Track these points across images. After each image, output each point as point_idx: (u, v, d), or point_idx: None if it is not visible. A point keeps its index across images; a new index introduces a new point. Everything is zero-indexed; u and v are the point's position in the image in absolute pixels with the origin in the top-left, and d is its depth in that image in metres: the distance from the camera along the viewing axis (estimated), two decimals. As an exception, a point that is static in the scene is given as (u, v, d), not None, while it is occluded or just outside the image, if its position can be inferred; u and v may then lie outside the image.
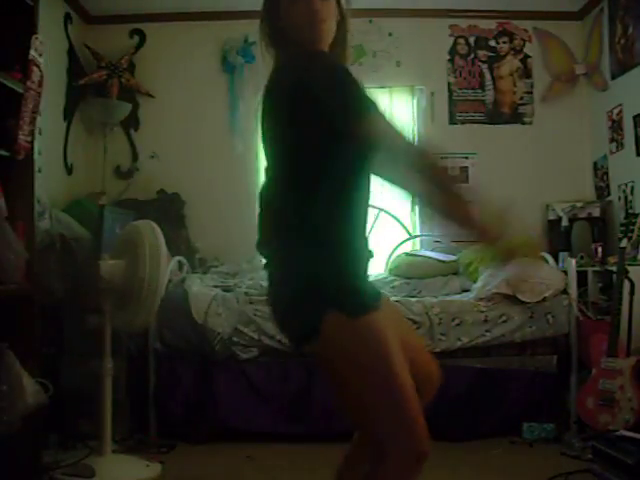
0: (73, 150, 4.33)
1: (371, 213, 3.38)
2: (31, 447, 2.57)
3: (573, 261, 3.59)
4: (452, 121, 4.71)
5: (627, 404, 2.92)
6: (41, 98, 2.76)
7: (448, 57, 4.75)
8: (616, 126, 4.20)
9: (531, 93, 4.75)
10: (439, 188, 1.44)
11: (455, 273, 4.19)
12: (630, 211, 3.94)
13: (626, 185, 4.07)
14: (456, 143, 4.66)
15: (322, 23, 1.54)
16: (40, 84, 2.73)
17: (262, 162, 4.67)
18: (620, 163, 4.20)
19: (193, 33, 4.69)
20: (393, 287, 4.01)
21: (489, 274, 3.71)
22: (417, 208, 4.70)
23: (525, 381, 3.37)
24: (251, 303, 3.46)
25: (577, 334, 3.41)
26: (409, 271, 4.07)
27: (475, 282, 3.83)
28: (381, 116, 1.44)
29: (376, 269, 4.31)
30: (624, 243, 3.18)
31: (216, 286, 3.74)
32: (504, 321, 3.39)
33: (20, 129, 2.60)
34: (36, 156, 2.79)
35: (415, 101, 4.70)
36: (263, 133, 1.59)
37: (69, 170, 4.31)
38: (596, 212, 4.30)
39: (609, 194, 4.34)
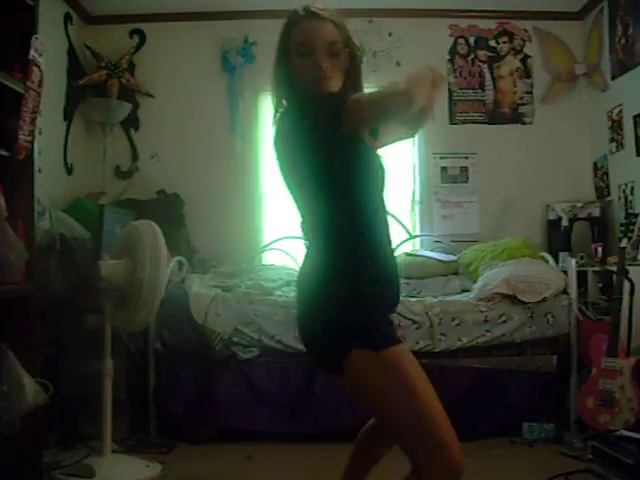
0: (73, 150, 4.33)
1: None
2: (31, 447, 2.57)
3: (573, 261, 3.59)
4: (452, 121, 4.71)
5: (627, 404, 2.93)
6: (41, 98, 2.76)
7: (448, 57, 4.75)
8: (616, 126, 4.20)
9: (531, 93, 4.75)
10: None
11: (455, 273, 4.19)
12: (630, 211, 3.94)
13: (626, 185, 4.07)
14: (456, 143, 4.67)
15: (328, 80, 1.59)
16: (40, 84, 2.73)
17: (264, 165, 4.69)
18: (620, 163, 4.20)
19: (193, 33, 4.69)
20: (393, 287, 4.01)
21: (489, 274, 3.71)
22: (417, 208, 4.71)
23: (525, 381, 3.37)
24: (251, 303, 3.46)
25: (577, 334, 3.41)
26: (409, 271, 4.06)
27: (475, 282, 3.83)
28: (354, 101, 1.49)
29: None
30: (624, 243, 3.18)
31: (216, 286, 3.74)
32: (504, 321, 3.39)
33: (20, 129, 2.60)
34: (36, 156, 2.78)
35: (415, 101, 4.69)
36: (286, 180, 1.69)
37: (69, 170, 4.31)
38: (596, 212, 4.30)
39: (609, 194, 4.34)
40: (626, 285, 3.12)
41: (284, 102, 1.71)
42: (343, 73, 1.64)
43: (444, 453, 1.47)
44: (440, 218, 4.66)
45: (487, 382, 3.36)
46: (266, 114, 4.72)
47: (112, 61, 4.50)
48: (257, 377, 3.37)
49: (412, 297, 3.77)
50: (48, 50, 2.89)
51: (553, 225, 4.45)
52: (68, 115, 4.29)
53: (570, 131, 4.69)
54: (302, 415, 3.33)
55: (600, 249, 3.97)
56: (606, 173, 4.40)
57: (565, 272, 3.58)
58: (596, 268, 3.83)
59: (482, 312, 3.41)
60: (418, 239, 4.65)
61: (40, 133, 2.98)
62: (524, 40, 4.76)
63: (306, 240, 1.73)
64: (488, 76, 4.75)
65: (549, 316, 3.41)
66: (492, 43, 4.76)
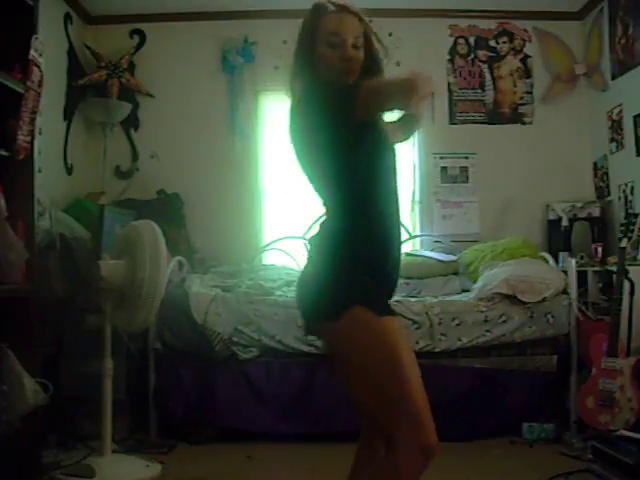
0: (73, 150, 4.33)
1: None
2: (31, 447, 2.57)
3: (573, 261, 3.59)
4: (452, 121, 4.71)
5: (627, 404, 2.93)
6: (41, 98, 2.76)
7: (448, 57, 4.75)
8: (616, 126, 4.20)
9: (531, 93, 4.75)
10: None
11: (455, 273, 4.19)
12: (630, 211, 3.94)
13: (626, 185, 4.07)
14: (456, 143, 4.67)
15: (353, 72, 1.70)
16: (40, 84, 2.73)
17: (264, 164, 4.69)
18: (620, 163, 4.20)
19: (193, 33, 4.69)
20: (393, 287, 4.01)
21: (489, 274, 3.71)
22: (417, 208, 4.71)
23: (525, 381, 3.37)
24: (251, 303, 3.46)
25: (577, 334, 3.41)
26: (409, 271, 4.06)
27: (475, 282, 3.83)
28: (365, 84, 1.60)
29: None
30: (624, 243, 3.18)
31: (216, 286, 3.74)
32: (504, 321, 3.39)
33: (20, 129, 2.60)
34: (36, 156, 2.78)
35: (415, 101, 4.69)
36: (302, 159, 1.77)
37: (69, 170, 4.31)
38: (596, 212, 4.31)
39: (609, 194, 4.34)
40: (626, 285, 3.12)
41: (301, 89, 1.76)
42: (360, 67, 1.72)
43: (418, 426, 1.50)
44: (440, 218, 4.66)
45: (487, 382, 3.36)
46: (266, 114, 4.73)
47: (112, 61, 4.50)
48: (257, 377, 3.37)
49: (412, 297, 3.77)
50: (48, 50, 2.89)
51: (553, 225, 4.45)
52: (68, 115, 4.29)
53: (570, 131, 4.69)
54: (302, 415, 3.33)
55: (600, 249, 3.97)
56: (606, 173, 4.40)
57: (565, 272, 3.58)
58: (596, 268, 3.83)
59: (482, 312, 3.41)
60: (418, 239, 4.66)
61: (40, 133, 2.98)
62: (524, 40, 4.76)
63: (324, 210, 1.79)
64: (488, 76, 4.75)
65: (549, 316, 3.41)
66: (492, 43, 4.77)
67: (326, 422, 3.29)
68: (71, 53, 4.35)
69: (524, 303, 3.41)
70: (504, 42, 4.76)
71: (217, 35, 4.67)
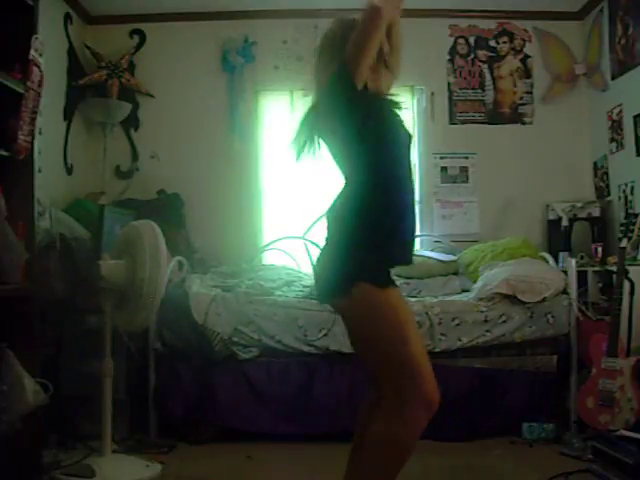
0: (73, 150, 4.33)
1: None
2: (31, 447, 2.57)
3: (573, 261, 3.59)
4: (452, 121, 4.71)
5: (627, 404, 2.93)
6: (41, 98, 2.76)
7: (448, 57, 4.75)
8: (616, 126, 4.20)
9: (531, 93, 4.75)
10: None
11: (455, 273, 4.19)
12: (630, 211, 3.94)
13: (626, 185, 4.07)
14: (456, 143, 4.67)
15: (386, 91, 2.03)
16: (40, 84, 2.73)
17: (264, 164, 4.69)
18: (620, 163, 4.20)
19: (193, 33, 4.69)
20: (393, 287, 4.01)
21: (489, 274, 3.71)
22: (417, 208, 4.71)
23: (525, 381, 3.37)
24: (251, 303, 3.46)
25: (577, 334, 3.41)
26: (409, 271, 4.06)
27: (475, 282, 3.83)
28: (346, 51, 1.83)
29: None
30: (624, 243, 3.18)
31: (216, 286, 3.74)
32: (504, 321, 3.39)
33: (20, 129, 2.60)
34: (36, 156, 2.78)
35: (415, 101, 4.70)
36: (325, 137, 1.97)
37: (69, 170, 4.31)
38: (596, 212, 4.30)
39: (609, 194, 4.34)
40: (626, 285, 3.12)
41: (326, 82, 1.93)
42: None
43: (421, 384, 1.74)
44: (440, 218, 4.66)
45: (487, 382, 3.36)
46: (266, 114, 4.73)
47: (112, 61, 4.50)
48: (257, 377, 3.37)
49: (412, 297, 3.77)
50: (48, 50, 2.89)
51: (553, 225, 4.46)
52: (68, 115, 4.29)
53: (570, 131, 4.69)
54: (302, 415, 3.33)
55: (600, 249, 3.97)
56: (606, 173, 4.40)
57: (565, 272, 3.58)
58: (596, 268, 3.83)
59: (482, 312, 3.41)
60: (418, 239, 4.65)
61: (40, 133, 2.99)
62: (524, 40, 4.76)
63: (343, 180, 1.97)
64: (488, 76, 4.75)
65: (549, 316, 3.41)
66: (492, 43, 4.77)
67: (326, 422, 3.29)
68: (71, 53, 4.35)
69: (524, 303, 3.41)
70: (504, 42, 4.76)
71: (217, 35, 4.67)
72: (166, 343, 3.40)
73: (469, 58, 4.76)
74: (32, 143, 2.70)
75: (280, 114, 4.70)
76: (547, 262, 3.81)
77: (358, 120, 1.86)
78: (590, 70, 4.59)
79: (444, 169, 4.68)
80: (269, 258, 4.56)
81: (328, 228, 1.93)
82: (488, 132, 4.71)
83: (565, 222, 4.29)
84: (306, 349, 3.37)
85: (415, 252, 4.48)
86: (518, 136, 4.71)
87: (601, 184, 4.46)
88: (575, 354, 3.39)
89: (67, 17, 4.29)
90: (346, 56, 1.82)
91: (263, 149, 4.69)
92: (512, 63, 4.76)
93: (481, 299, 3.50)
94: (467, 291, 3.87)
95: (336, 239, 1.87)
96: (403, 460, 1.77)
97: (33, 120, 2.70)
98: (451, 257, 4.27)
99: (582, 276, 3.75)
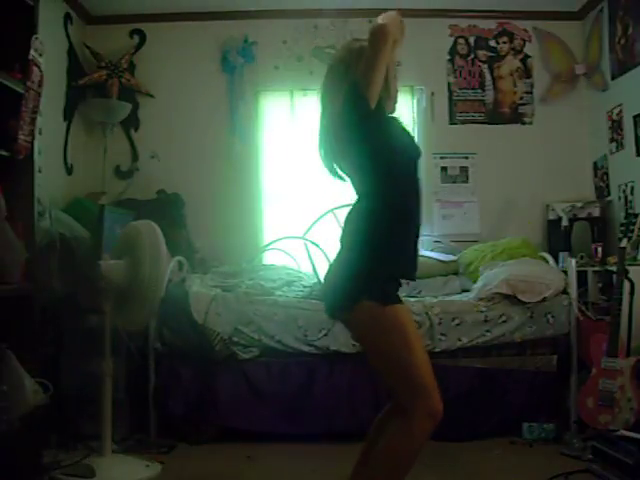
0: (73, 150, 4.34)
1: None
2: (31, 447, 2.57)
3: (573, 261, 3.59)
4: (452, 121, 4.71)
5: (627, 404, 2.93)
6: (41, 98, 2.76)
7: (448, 57, 4.75)
8: (616, 126, 4.21)
9: (531, 93, 4.75)
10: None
11: (455, 273, 4.19)
12: (630, 211, 3.94)
13: (626, 185, 4.07)
14: (456, 143, 4.68)
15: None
16: (40, 84, 2.73)
17: (265, 164, 4.69)
18: (620, 163, 4.20)
19: (193, 33, 4.69)
20: (393, 287, 4.01)
21: (489, 274, 3.71)
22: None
23: (525, 381, 3.37)
24: (251, 303, 3.46)
25: (577, 334, 3.41)
26: (409, 271, 4.05)
27: (475, 282, 3.83)
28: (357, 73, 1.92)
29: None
30: (624, 243, 3.18)
31: (216, 286, 3.74)
32: (504, 321, 3.39)
33: (20, 129, 2.60)
34: (36, 156, 2.78)
35: (415, 101, 4.70)
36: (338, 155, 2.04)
37: (69, 170, 4.31)
38: (596, 212, 4.31)
39: (609, 194, 4.34)
40: (626, 285, 3.12)
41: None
42: None
43: (426, 397, 1.84)
44: (440, 218, 4.66)
45: (487, 382, 3.36)
46: (266, 114, 4.73)
47: (112, 61, 4.50)
48: (257, 377, 3.37)
49: (412, 297, 3.77)
50: (48, 50, 2.90)
51: (553, 225, 4.46)
52: (68, 115, 4.29)
53: (570, 131, 4.69)
54: (302, 415, 3.33)
55: (600, 249, 3.97)
56: (606, 173, 4.40)
57: (565, 272, 3.58)
58: (596, 268, 3.83)
59: (482, 312, 3.41)
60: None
61: (40, 133, 2.99)
62: (524, 40, 4.76)
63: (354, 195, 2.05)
64: (488, 76, 4.75)
65: (549, 316, 3.41)
66: (492, 43, 4.77)
67: (326, 422, 3.29)
68: (71, 53, 4.35)
69: (524, 303, 3.41)
70: (504, 42, 4.76)
71: (217, 35, 4.67)
72: (166, 343, 3.40)
73: (469, 58, 4.76)
74: (32, 143, 2.70)
75: (280, 114, 4.70)
76: (547, 262, 3.81)
77: (371, 138, 1.92)
78: (590, 70, 4.59)
79: (444, 169, 4.68)
80: (269, 258, 4.56)
81: (341, 241, 2.00)
82: (488, 132, 4.71)
83: (565, 222, 4.29)
84: (306, 349, 3.37)
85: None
86: (518, 136, 4.71)
87: (601, 184, 4.46)
88: (575, 354, 3.39)
89: (67, 17, 4.29)
90: (357, 76, 1.89)
91: (263, 149, 4.69)
92: (512, 63, 4.76)
93: (481, 299, 3.50)
94: (467, 291, 3.87)
95: (345, 255, 1.95)
96: (408, 468, 1.86)
97: (33, 120, 2.70)
98: (451, 257, 4.27)
99: (582, 276, 3.75)
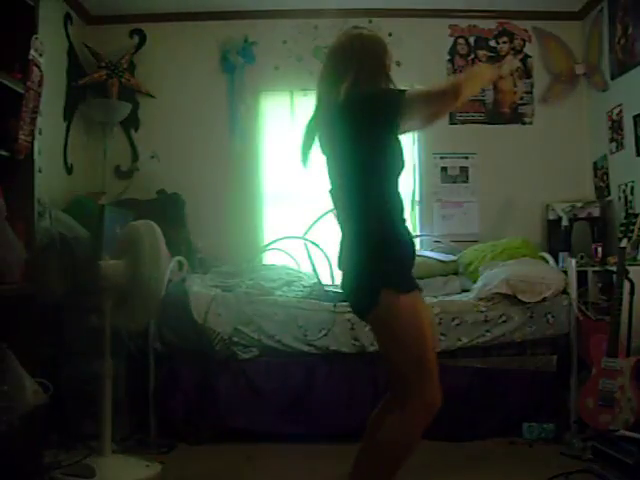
0: (73, 150, 4.33)
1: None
2: (31, 447, 2.57)
3: (573, 261, 3.59)
4: (452, 121, 4.71)
5: (627, 404, 2.93)
6: (41, 98, 2.76)
7: (448, 57, 4.75)
8: (616, 126, 4.20)
9: (531, 93, 4.75)
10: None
11: (455, 273, 4.19)
12: (630, 211, 3.94)
13: (626, 185, 4.07)
14: (456, 143, 4.68)
15: None
16: (40, 84, 2.73)
17: (265, 164, 4.69)
18: (620, 163, 4.20)
19: (193, 33, 4.69)
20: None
21: (489, 274, 3.71)
22: (417, 208, 4.71)
23: (525, 381, 3.37)
24: (251, 303, 3.46)
25: (577, 334, 3.41)
26: (409, 271, 4.05)
27: (475, 282, 3.83)
28: (406, 97, 1.99)
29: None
30: (624, 243, 3.18)
31: (216, 286, 3.74)
32: (504, 321, 3.39)
33: (20, 129, 2.60)
34: (36, 156, 2.78)
35: (415, 101, 4.70)
36: (333, 145, 2.08)
37: (69, 170, 4.31)
38: (596, 212, 4.30)
39: (609, 194, 4.34)
40: (626, 285, 3.12)
41: (347, 92, 2.02)
42: None
43: (432, 385, 1.91)
44: (440, 218, 4.67)
45: (487, 382, 3.36)
46: (266, 114, 4.73)
47: (112, 61, 4.50)
48: (257, 377, 3.37)
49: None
50: (48, 50, 2.90)
51: (553, 225, 4.46)
52: (68, 115, 4.29)
53: (570, 131, 4.69)
54: (302, 415, 3.33)
55: (600, 249, 3.97)
56: (606, 173, 4.39)
57: (565, 272, 3.58)
58: (596, 268, 3.83)
59: (482, 312, 3.41)
60: (418, 239, 4.65)
61: (40, 133, 2.99)
62: (524, 40, 4.76)
63: (338, 213, 2.14)
64: (488, 76, 4.74)
65: (549, 316, 3.41)
66: (492, 43, 4.77)
67: (326, 422, 3.29)
68: (71, 53, 4.35)
69: (524, 303, 3.41)
70: (504, 42, 4.76)
71: (217, 35, 4.67)
72: (166, 343, 3.40)
73: (469, 58, 4.75)
74: (32, 143, 2.70)
75: (280, 114, 4.70)
76: (547, 262, 3.81)
77: (379, 145, 1.99)
78: (590, 70, 4.59)
79: (444, 169, 4.68)
80: (269, 258, 4.56)
81: (344, 248, 2.07)
82: (488, 132, 4.71)
83: (565, 222, 4.29)
84: (306, 349, 3.37)
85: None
86: (518, 136, 4.71)
87: (601, 184, 4.46)
88: (575, 354, 3.39)
89: (67, 17, 4.29)
90: (410, 98, 1.98)
91: (263, 149, 4.69)
92: (512, 63, 4.75)
93: (481, 299, 3.50)
94: (467, 291, 3.87)
95: (356, 258, 2.01)
96: (406, 458, 1.92)
97: (33, 120, 2.71)
98: (451, 257, 4.27)
99: (582, 276, 3.75)
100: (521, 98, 4.75)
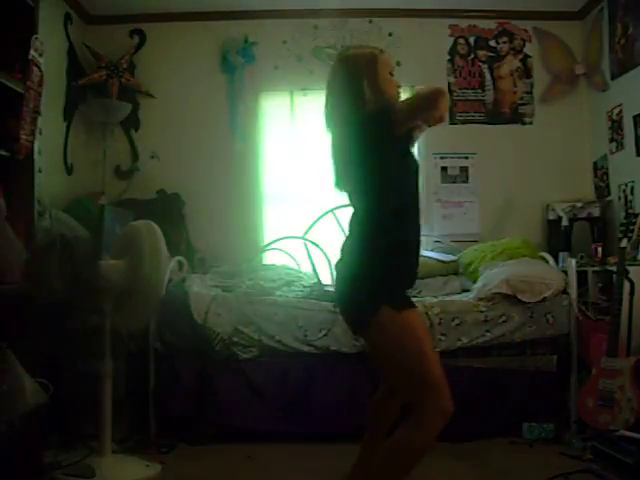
0: (73, 150, 4.33)
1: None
2: (31, 447, 2.57)
3: (573, 261, 3.59)
4: (452, 121, 4.71)
5: (627, 404, 2.92)
6: (41, 98, 2.76)
7: (448, 57, 4.75)
8: (616, 126, 4.20)
9: (531, 93, 4.75)
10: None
11: (455, 273, 4.19)
12: (630, 211, 3.94)
13: (626, 185, 4.07)
14: (456, 143, 4.68)
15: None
16: (40, 84, 2.73)
17: (264, 164, 4.69)
18: (620, 163, 4.20)
19: (193, 33, 4.70)
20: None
21: (489, 274, 3.71)
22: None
23: (525, 381, 3.37)
24: (251, 303, 3.46)
25: (577, 334, 3.41)
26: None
27: (475, 282, 3.83)
28: (396, 109, 2.05)
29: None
30: (624, 243, 3.18)
31: (216, 286, 3.74)
32: (504, 321, 3.39)
33: (22, 129, 2.60)
34: (36, 156, 2.78)
35: (415, 101, 4.70)
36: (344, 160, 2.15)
37: (69, 170, 4.31)
38: (596, 212, 4.30)
39: (609, 194, 4.34)
40: (626, 285, 3.12)
41: (346, 113, 2.12)
42: None
43: (439, 396, 1.94)
44: (440, 218, 4.67)
45: (487, 382, 3.36)
46: (266, 114, 4.73)
47: (112, 61, 4.50)
48: (257, 377, 3.37)
49: (412, 297, 3.76)
50: (48, 50, 2.89)
51: (553, 225, 4.45)
52: (68, 115, 4.29)
53: (570, 131, 4.69)
54: (302, 415, 3.33)
55: (600, 249, 3.96)
56: (606, 173, 4.40)
57: (565, 272, 3.58)
58: (596, 268, 3.83)
59: (482, 312, 3.41)
60: (418, 239, 4.65)
61: (40, 133, 2.98)
62: (524, 40, 4.76)
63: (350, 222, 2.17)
64: (488, 76, 4.75)
65: (549, 316, 3.41)
66: (492, 43, 4.77)
67: (326, 422, 3.29)
68: (71, 53, 4.35)
69: (524, 303, 3.41)
70: (504, 42, 4.76)
71: (217, 35, 4.67)
72: (166, 343, 3.40)
73: (469, 58, 4.76)
74: (32, 143, 2.70)
75: (280, 114, 4.70)
76: (547, 262, 3.81)
77: (383, 155, 2.05)
78: (590, 70, 4.59)
79: (444, 169, 4.68)
80: (269, 258, 4.56)
81: (344, 258, 2.12)
82: (488, 132, 4.72)
83: (565, 222, 4.29)
84: (306, 349, 3.37)
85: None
86: (518, 136, 4.71)
87: (601, 184, 4.46)
88: (575, 354, 3.39)
89: (67, 17, 4.29)
90: (397, 110, 2.04)
91: (263, 149, 4.69)
92: (512, 63, 4.76)
93: (481, 299, 3.50)
94: (467, 291, 3.87)
95: (353, 272, 2.06)
96: (415, 463, 1.98)
97: (34, 120, 2.70)
98: (451, 257, 4.27)
99: (582, 276, 3.75)
100: (521, 98, 4.75)
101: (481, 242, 4.39)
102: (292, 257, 4.42)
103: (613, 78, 4.24)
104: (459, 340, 3.36)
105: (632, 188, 3.99)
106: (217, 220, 4.51)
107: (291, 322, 3.39)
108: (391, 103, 2.12)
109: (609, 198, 4.33)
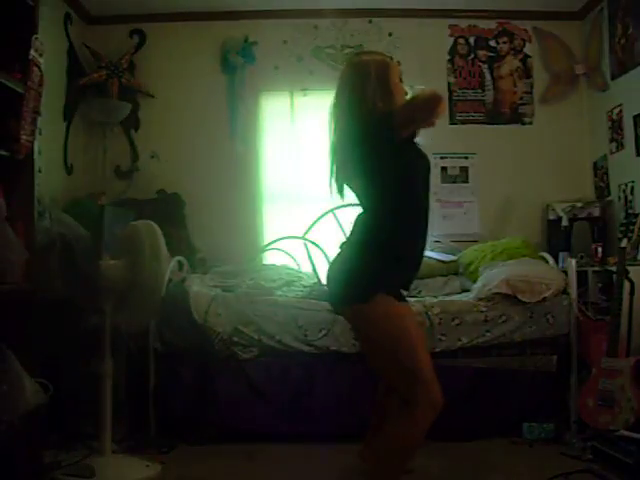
0: (73, 150, 4.33)
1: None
2: (31, 447, 2.57)
3: (573, 261, 3.59)
4: (452, 121, 4.71)
5: (627, 404, 2.92)
6: (41, 98, 2.76)
7: (448, 57, 4.75)
8: (616, 126, 4.21)
9: (531, 93, 4.75)
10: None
11: (455, 273, 4.19)
12: (630, 211, 3.94)
13: (626, 185, 4.07)
14: (456, 143, 4.68)
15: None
16: (40, 84, 2.73)
17: (265, 164, 4.69)
18: (620, 163, 4.20)
19: (193, 33, 4.70)
20: (393, 287, 4.01)
21: (489, 274, 3.71)
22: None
23: (525, 381, 3.37)
24: (251, 303, 3.46)
25: (577, 334, 3.41)
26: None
27: (475, 282, 3.83)
28: (394, 113, 2.09)
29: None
30: (624, 243, 3.18)
31: (216, 286, 3.74)
32: (504, 321, 3.39)
33: (22, 129, 2.60)
34: (36, 156, 2.78)
35: (415, 101, 4.70)
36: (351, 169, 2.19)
37: (69, 170, 4.31)
38: (596, 212, 4.30)
39: (609, 194, 4.34)
40: (626, 285, 3.12)
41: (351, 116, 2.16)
42: None
43: (429, 389, 1.99)
44: (440, 218, 4.66)
45: (487, 382, 3.36)
46: (266, 114, 4.73)
47: (112, 61, 4.50)
48: (257, 377, 3.37)
49: (412, 297, 3.77)
50: (48, 50, 2.89)
51: (553, 225, 4.45)
52: (68, 115, 4.29)
53: (570, 131, 4.69)
54: (302, 415, 3.33)
55: (600, 249, 3.96)
56: (606, 173, 4.40)
57: (565, 272, 3.58)
58: (596, 268, 3.83)
59: (482, 312, 3.41)
60: (418, 239, 4.65)
61: (40, 133, 2.98)
62: (524, 40, 4.76)
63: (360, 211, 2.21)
64: (488, 76, 4.75)
65: (549, 316, 3.41)
66: (492, 43, 4.77)
67: (326, 422, 3.29)
68: (71, 53, 4.35)
69: (524, 303, 3.40)
70: (504, 42, 4.77)
71: (217, 35, 4.67)
72: (166, 343, 3.40)
73: (469, 58, 4.76)
74: (33, 143, 2.70)
75: (280, 114, 4.70)
76: (547, 262, 3.81)
77: (387, 160, 2.09)
78: (590, 70, 4.59)
79: (444, 169, 4.68)
80: (269, 258, 4.56)
81: (346, 247, 2.16)
82: (488, 132, 4.72)
83: (565, 222, 4.29)
84: (306, 349, 3.37)
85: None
86: (518, 136, 4.71)
87: (601, 184, 4.46)
88: (575, 354, 3.39)
89: (67, 17, 4.29)
90: (396, 114, 2.08)
91: (263, 149, 4.69)
92: (512, 63, 4.76)
93: (481, 299, 3.50)
94: (467, 291, 3.87)
95: (354, 256, 2.10)
96: (411, 454, 2.06)
97: (34, 120, 2.70)
98: (451, 257, 4.27)
99: (582, 276, 3.75)
100: (521, 98, 4.75)
101: (481, 242, 4.39)
102: (292, 257, 4.42)
103: (613, 78, 4.24)
104: (459, 340, 3.36)
105: (632, 188, 3.99)
106: (217, 220, 4.51)
107: (291, 322, 3.39)
108: (393, 108, 2.15)
109: (609, 198, 4.33)
